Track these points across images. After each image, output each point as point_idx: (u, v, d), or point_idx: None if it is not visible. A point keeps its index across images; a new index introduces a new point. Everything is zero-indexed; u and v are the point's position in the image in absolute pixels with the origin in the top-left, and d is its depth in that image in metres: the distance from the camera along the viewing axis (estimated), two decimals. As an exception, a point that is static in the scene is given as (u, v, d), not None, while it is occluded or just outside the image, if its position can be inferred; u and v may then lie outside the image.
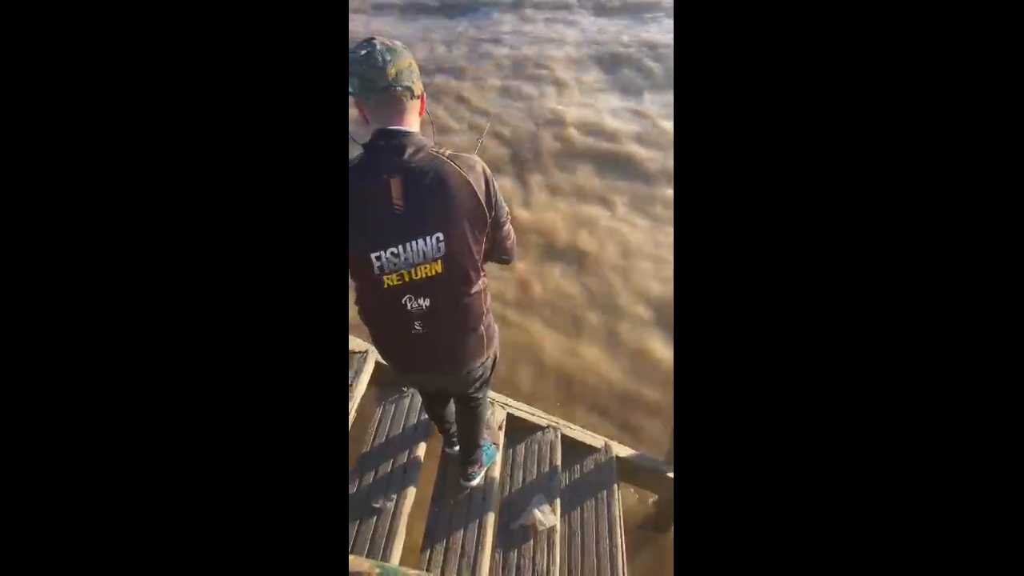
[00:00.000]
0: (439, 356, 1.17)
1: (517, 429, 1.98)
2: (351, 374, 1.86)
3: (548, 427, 1.99)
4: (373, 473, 1.69)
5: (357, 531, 1.54)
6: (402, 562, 1.50)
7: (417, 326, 1.08)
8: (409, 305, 1.06)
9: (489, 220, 1.04)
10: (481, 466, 1.75)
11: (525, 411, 2.03)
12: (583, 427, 2.07)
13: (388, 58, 0.93)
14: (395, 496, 1.63)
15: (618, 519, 1.79)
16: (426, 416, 1.85)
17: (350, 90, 0.95)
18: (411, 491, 1.65)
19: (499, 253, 1.15)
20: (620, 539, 1.74)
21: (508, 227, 1.13)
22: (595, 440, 2.01)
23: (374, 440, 1.80)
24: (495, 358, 1.33)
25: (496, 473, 1.79)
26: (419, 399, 1.91)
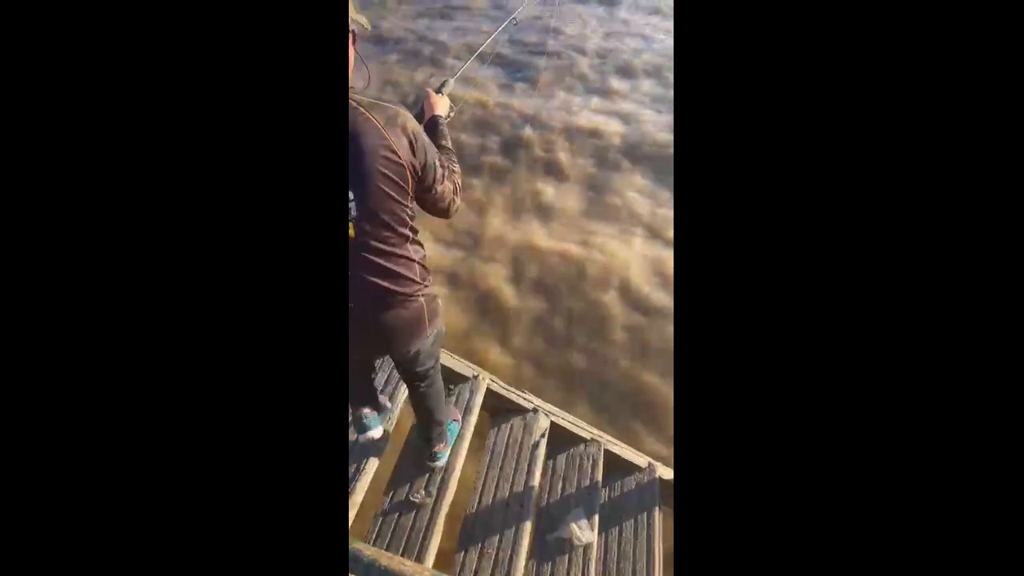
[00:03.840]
0: (370, 330, 1.05)
1: (560, 439, 1.95)
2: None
3: (592, 440, 1.94)
4: (414, 467, 1.69)
5: (395, 525, 1.54)
6: (436, 562, 1.50)
7: None
8: None
9: (412, 183, 0.94)
10: (446, 444, 1.66)
11: (569, 421, 1.99)
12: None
13: None
14: (434, 492, 1.63)
15: (658, 543, 1.73)
16: (472, 415, 1.84)
17: None
18: (451, 489, 1.64)
19: (431, 212, 1.07)
20: (658, 564, 1.68)
21: (441, 189, 1.02)
22: (639, 459, 1.95)
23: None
24: (438, 335, 1.23)
25: (535, 482, 1.76)
26: (465, 395, 1.90)
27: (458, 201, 1.08)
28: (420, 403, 1.47)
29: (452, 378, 1.95)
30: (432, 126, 1.16)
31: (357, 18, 0.90)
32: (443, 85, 1.30)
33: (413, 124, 0.93)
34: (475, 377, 1.95)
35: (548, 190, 3.47)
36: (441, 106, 1.21)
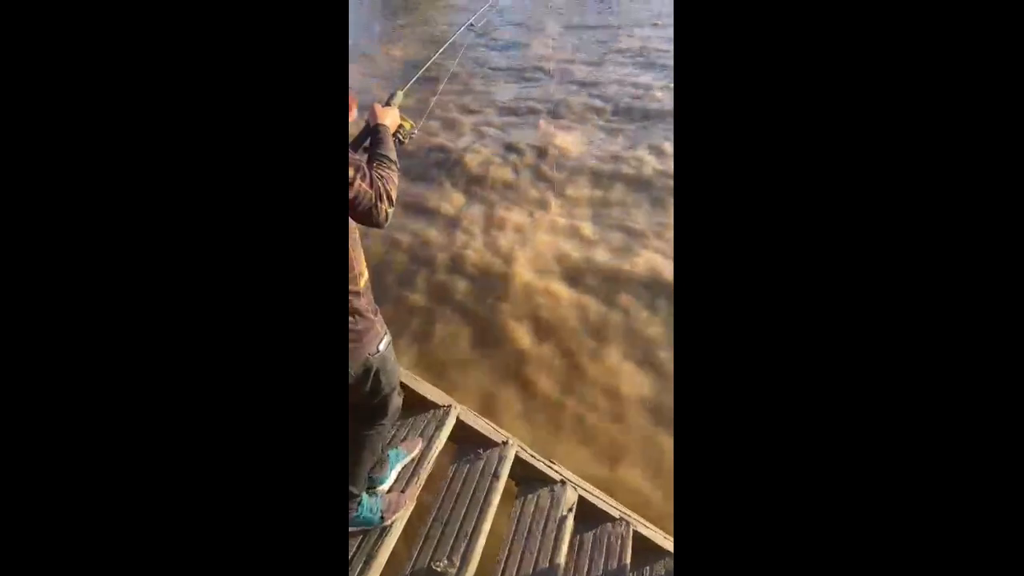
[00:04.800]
0: None
1: (588, 515, 1.89)
2: (432, 427, 1.88)
3: (620, 519, 1.88)
4: (440, 532, 1.65)
5: (417, 592, 1.49)
6: (456, 636, 1.43)
7: None
8: None
9: None
10: (355, 508, 1.46)
11: (598, 497, 1.94)
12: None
13: None
14: (457, 561, 1.58)
15: (688, 639, 1.62)
16: (499, 482, 1.80)
17: None
18: (476, 558, 1.59)
19: (354, 218, 1.05)
20: (688, 663, 1.57)
21: (353, 193, 1.01)
22: (669, 544, 1.87)
23: (443, 498, 1.77)
24: (373, 368, 1.19)
25: (561, 559, 1.70)
26: (493, 460, 1.87)
27: (384, 207, 1.07)
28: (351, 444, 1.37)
29: (481, 443, 1.94)
30: (373, 134, 1.22)
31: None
32: (391, 97, 1.36)
33: None
34: (504, 443, 1.93)
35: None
36: (387, 117, 1.26)
